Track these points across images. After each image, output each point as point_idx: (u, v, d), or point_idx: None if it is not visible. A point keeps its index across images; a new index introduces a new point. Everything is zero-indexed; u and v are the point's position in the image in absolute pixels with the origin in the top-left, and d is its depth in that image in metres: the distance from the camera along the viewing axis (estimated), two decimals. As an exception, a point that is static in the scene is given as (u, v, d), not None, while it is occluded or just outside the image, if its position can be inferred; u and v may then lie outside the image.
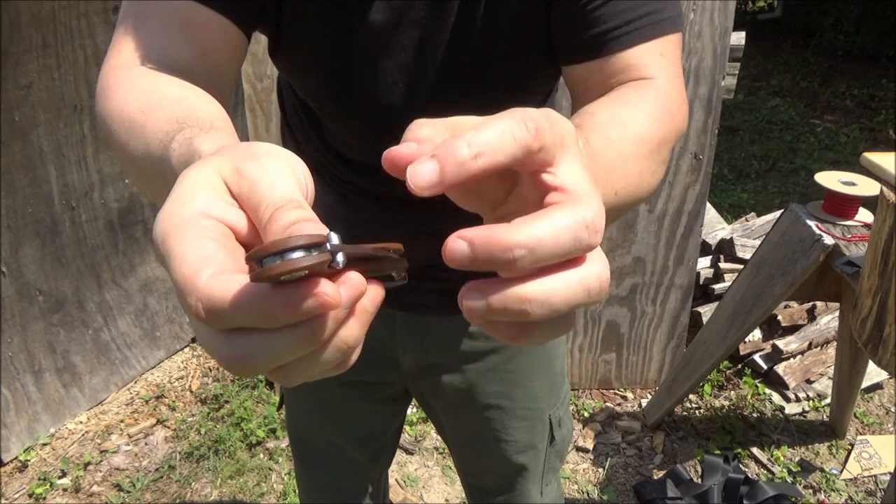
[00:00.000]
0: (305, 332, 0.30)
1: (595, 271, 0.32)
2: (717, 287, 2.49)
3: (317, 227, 0.30)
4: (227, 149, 0.37)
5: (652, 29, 0.63)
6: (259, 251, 0.29)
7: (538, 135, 0.32)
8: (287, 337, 0.30)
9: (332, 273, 0.30)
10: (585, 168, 0.34)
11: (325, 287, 0.29)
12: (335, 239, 0.30)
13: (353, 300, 0.31)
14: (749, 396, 2.27)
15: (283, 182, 0.33)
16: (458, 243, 0.30)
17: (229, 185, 0.34)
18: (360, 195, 0.85)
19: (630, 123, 0.55)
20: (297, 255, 0.28)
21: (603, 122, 0.54)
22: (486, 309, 0.31)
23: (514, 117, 0.32)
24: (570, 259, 0.32)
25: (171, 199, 0.33)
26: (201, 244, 0.31)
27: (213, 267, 0.30)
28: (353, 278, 0.31)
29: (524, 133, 0.31)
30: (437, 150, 0.30)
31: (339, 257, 0.30)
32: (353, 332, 0.32)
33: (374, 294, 0.34)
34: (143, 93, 0.54)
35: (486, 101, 0.76)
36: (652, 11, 0.63)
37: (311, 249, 0.28)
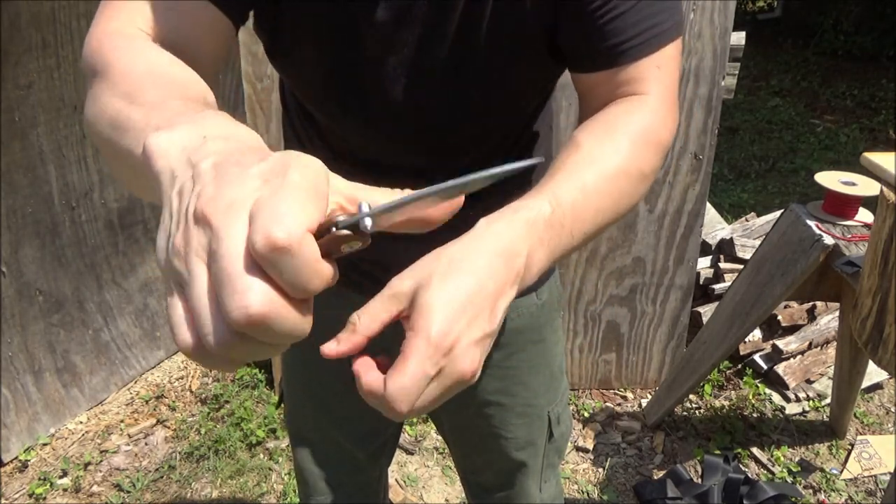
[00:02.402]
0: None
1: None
2: (717, 287, 2.49)
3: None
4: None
5: (654, 42, 0.66)
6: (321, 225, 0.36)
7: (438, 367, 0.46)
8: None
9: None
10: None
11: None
12: (364, 207, 0.38)
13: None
14: (749, 396, 2.27)
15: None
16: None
17: None
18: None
19: (610, 155, 0.62)
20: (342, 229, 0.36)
21: (585, 160, 0.61)
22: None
23: (426, 361, 0.45)
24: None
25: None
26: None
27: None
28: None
29: (433, 370, 0.46)
30: (387, 393, 0.45)
31: (367, 221, 0.37)
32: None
33: None
34: (151, 63, 0.54)
35: (486, 101, 0.77)
36: (655, 24, 0.65)
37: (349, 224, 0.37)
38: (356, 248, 0.37)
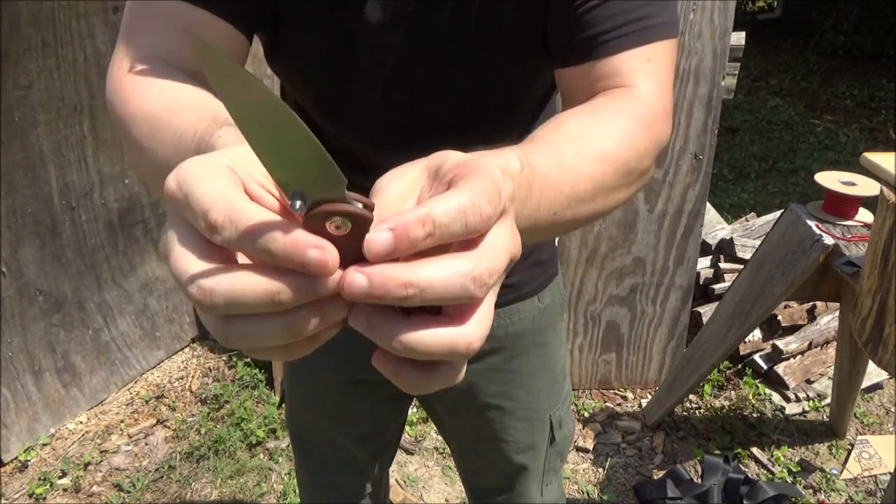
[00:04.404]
0: (274, 287, 0.32)
1: (467, 334, 0.35)
2: (717, 287, 2.49)
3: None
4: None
5: (641, 35, 0.62)
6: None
7: (488, 222, 0.34)
8: (259, 279, 0.32)
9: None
10: (509, 229, 0.37)
11: (332, 253, 0.32)
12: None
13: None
14: (749, 396, 2.27)
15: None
16: (357, 276, 0.32)
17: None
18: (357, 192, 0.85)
19: (594, 138, 0.54)
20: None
21: (565, 136, 0.54)
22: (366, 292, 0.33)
23: (475, 199, 0.34)
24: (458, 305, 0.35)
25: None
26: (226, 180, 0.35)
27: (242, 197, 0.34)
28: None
29: (476, 222, 0.34)
30: (396, 224, 0.33)
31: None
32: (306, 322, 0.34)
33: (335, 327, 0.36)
34: (162, 93, 0.55)
35: (482, 103, 0.77)
36: (644, 17, 0.62)
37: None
38: (345, 228, 0.33)
